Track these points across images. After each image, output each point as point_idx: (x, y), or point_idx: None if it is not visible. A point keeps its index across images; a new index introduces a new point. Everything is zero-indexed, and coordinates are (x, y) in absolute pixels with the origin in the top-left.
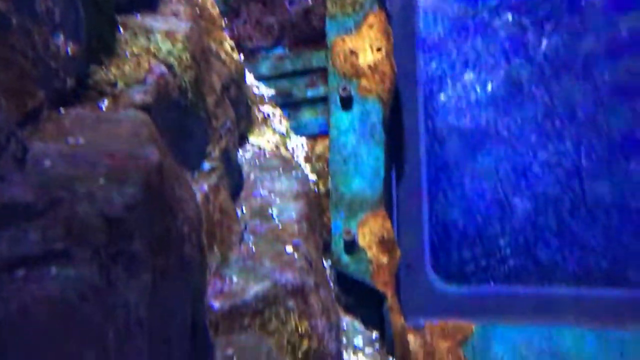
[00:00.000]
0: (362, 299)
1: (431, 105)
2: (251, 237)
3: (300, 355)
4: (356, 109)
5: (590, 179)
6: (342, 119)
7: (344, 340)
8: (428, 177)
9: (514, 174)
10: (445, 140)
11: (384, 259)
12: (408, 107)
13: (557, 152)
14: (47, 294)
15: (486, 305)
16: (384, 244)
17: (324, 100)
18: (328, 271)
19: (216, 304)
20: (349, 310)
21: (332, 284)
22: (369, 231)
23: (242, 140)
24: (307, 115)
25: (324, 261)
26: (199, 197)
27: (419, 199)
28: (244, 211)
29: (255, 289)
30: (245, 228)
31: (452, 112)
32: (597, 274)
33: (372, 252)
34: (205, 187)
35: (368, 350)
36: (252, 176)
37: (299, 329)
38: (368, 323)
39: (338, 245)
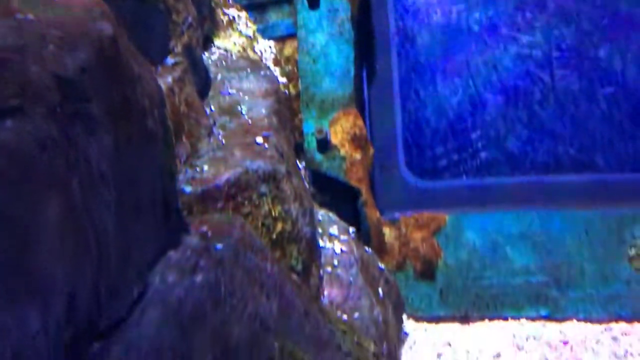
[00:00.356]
0: (337, 197)
1: (401, 2)
2: (221, 132)
3: (274, 236)
4: (323, 6)
5: (559, 69)
6: (309, 18)
7: (320, 230)
8: (399, 76)
9: (485, 69)
10: (416, 37)
11: (357, 156)
12: (378, 5)
13: (528, 44)
14: (4, 142)
15: (459, 198)
16: (357, 141)
17: (289, 0)
18: (303, 172)
19: (188, 189)
20: (325, 206)
21: (307, 185)
22: (341, 129)
23: (208, 43)
24: (274, 17)
25: (298, 163)
26: (163, 88)
27: (391, 98)
28: (213, 109)
29: (226, 175)
30: (215, 124)
31: (422, 8)
32: (565, 161)
33: (345, 149)
34: (170, 79)
35: (344, 237)
36: (219, 76)
37: (273, 213)
38: (344, 219)
39: (311, 145)
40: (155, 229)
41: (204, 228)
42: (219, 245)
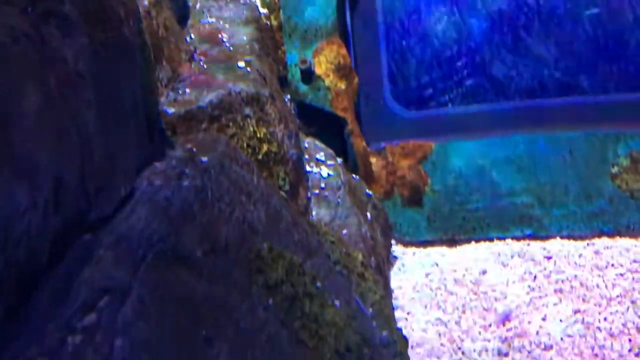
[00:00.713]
0: (323, 129)
1: None
2: (202, 58)
3: (260, 157)
4: None
5: None
6: None
7: (307, 156)
8: (383, 4)
9: None
10: None
11: (342, 85)
12: None
13: None
14: None
15: (445, 126)
16: (341, 71)
17: None
18: (288, 105)
19: (171, 110)
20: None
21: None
22: (325, 59)
23: None
24: None
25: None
26: (140, 11)
27: (375, 27)
28: (193, 37)
29: (209, 97)
30: (195, 50)
31: None
32: (550, 84)
33: (330, 79)
34: (146, 2)
35: (330, 162)
36: (198, 5)
37: (258, 134)
38: (330, 149)
39: (295, 76)
40: (139, 140)
41: (189, 145)
42: (204, 158)
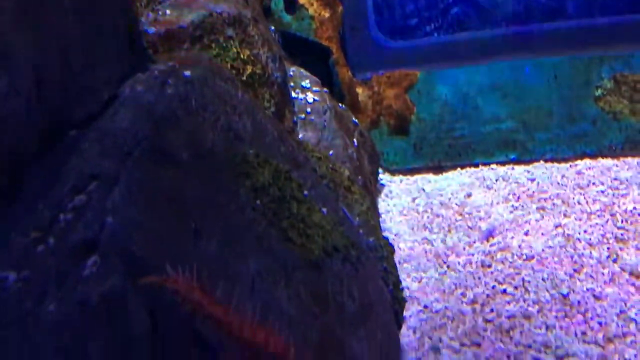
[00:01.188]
0: (308, 61)
1: None
2: None
3: (244, 79)
4: None
5: None
6: None
7: (292, 84)
8: None
9: None
10: None
11: (326, 14)
12: None
13: None
14: None
15: (431, 55)
16: None
17: None
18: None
19: (151, 29)
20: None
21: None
22: None
23: None
24: None
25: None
26: None
27: None
28: None
29: (190, 17)
30: None
31: None
32: (536, 10)
33: (313, 8)
34: None
35: (316, 89)
36: None
37: (241, 55)
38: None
39: (278, 5)
40: (120, 51)
41: (171, 63)
42: (187, 72)
